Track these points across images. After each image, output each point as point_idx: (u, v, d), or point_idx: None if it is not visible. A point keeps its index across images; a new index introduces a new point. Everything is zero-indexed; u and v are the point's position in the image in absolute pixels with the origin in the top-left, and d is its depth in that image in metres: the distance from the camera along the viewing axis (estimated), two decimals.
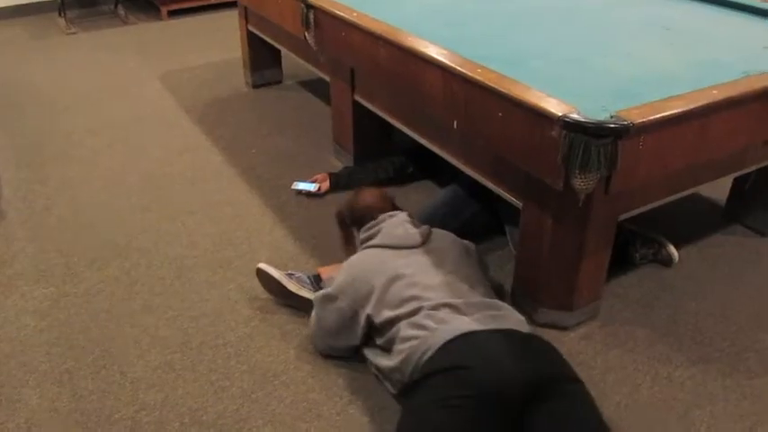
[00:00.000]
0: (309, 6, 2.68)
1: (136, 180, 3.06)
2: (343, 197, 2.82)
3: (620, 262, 2.36)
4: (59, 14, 5.44)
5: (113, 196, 2.93)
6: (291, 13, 2.82)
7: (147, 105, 3.86)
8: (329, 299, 1.96)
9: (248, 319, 2.21)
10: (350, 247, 2.21)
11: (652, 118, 1.68)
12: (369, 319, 1.88)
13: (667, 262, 2.42)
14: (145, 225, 2.72)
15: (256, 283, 2.28)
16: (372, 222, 2.07)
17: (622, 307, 2.25)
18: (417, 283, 1.84)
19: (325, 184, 2.89)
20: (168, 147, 3.37)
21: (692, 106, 1.75)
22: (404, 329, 1.77)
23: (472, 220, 2.49)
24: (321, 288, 2.18)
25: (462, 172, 2.34)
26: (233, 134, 3.48)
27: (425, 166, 2.93)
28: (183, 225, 2.71)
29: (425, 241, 1.99)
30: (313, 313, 2.04)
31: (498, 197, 2.19)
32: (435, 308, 1.77)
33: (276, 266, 2.23)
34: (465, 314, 1.75)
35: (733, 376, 1.98)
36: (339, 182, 2.90)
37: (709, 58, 2.15)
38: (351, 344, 1.96)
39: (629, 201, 2.05)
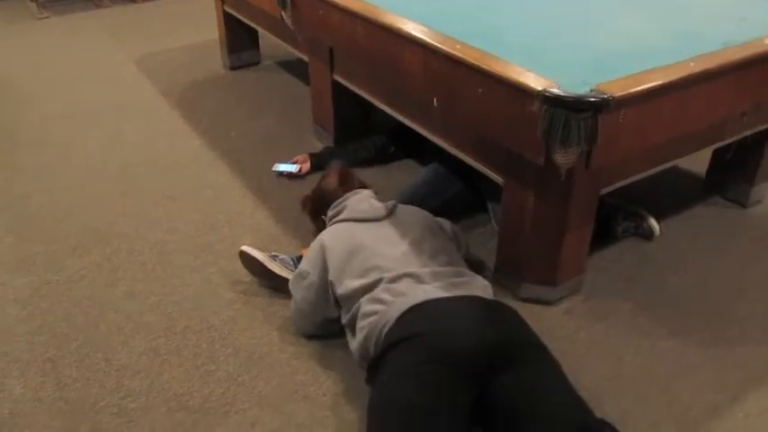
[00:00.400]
0: None
1: (114, 166, 3.02)
2: None
3: (603, 236, 2.37)
4: None
5: (92, 182, 2.89)
6: None
7: (124, 90, 3.81)
8: (301, 276, 1.98)
9: (231, 302, 2.20)
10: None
11: (632, 91, 1.68)
12: (332, 286, 1.89)
13: (649, 235, 2.44)
14: (125, 211, 2.69)
15: (238, 266, 2.26)
16: (338, 201, 2.11)
17: (605, 281, 2.26)
18: (379, 254, 1.85)
19: (306, 165, 2.88)
20: (146, 131, 3.32)
21: (671, 79, 1.76)
22: (364, 305, 1.77)
23: (454, 198, 2.49)
24: None
25: (444, 150, 2.33)
26: (211, 117, 3.44)
27: (407, 145, 2.92)
28: (164, 210, 2.69)
29: (390, 214, 2.00)
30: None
31: (480, 174, 2.18)
32: (395, 279, 1.77)
33: (259, 249, 2.22)
34: (426, 283, 1.76)
35: (715, 347, 2.01)
36: (320, 162, 2.88)
37: (688, 30, 2.15)
38: (329, 316, 1.96)
39: (611, 175, 2.05)
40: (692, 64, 1.83)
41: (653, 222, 2.43)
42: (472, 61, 1.83)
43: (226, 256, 2.39)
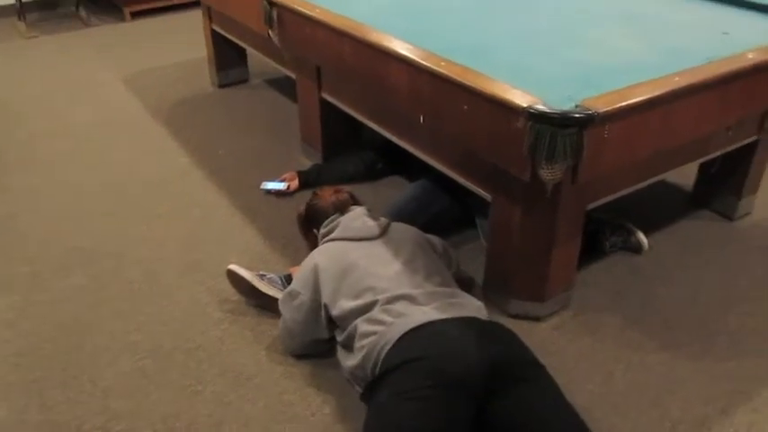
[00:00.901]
0: (272, 4, 2.65)
1: (101, 184, 3.00)
2: None
3: (591, 251, 2.37)
4: (19, 18, 5.32)
5: (78, 201, 2.88)
6: (255, 10, 2.78)
7: (112, 108, 3.80)
8: (291, 296, 1.96)
9: (219, 321, 2.18)
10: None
11: (616, 106, 1.68)
12: (326, 309, 1.88)
13: (637, 249, 2.45)
14: (111, 230, 2.67)
15: (226, 285, 2.25)
16: (330, 218, 2.09)
17: (594, 295, 2.26)
18: (373, 274, 1.84)
19: (295, 183, 2.87)
20: (134, 150, 3.31)
21: (655, 93, 1.76)
22: (361, 326, 1.76)
23: (441, 213, 2.48)
24: None
25: (431, 166, 2.33)
26: (200, 135, 3.43)
27: (395, 162, 2.92)
28: (151, 229, 2.67)
29: (383, 233, 1.99)
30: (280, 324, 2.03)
31: (468, 190, 2.18)
32: (391, 300, 1.76)
33: (247, 268, 2.21)
34: (422, 304, 1.75)
35: (704, 359, 2.01)
36: (308, 180, 2.87)
37: (672, 45, 2.17)
38: (319, 337, 1.95)
39: (598, 190, 2.06)
40: (676, 78, 1.84)
41: (641, 236, 2.44)
42: (457, 78, 1.83)
43: (214, 275, 2.38)
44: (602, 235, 2.43)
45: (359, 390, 1.80)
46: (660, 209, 2.72)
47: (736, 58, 1.99)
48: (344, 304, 1.82)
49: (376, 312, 1.75)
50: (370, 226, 2.01)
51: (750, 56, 2.00)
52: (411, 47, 2.05)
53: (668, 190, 2.84)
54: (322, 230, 2.09)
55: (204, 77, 4.11)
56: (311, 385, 1.94)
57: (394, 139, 2.47)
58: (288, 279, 2.18)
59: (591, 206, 2.08)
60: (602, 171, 1.83)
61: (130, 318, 2.21)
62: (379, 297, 1.78)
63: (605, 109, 1.65)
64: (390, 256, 1.91)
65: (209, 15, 3.78)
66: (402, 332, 1.65)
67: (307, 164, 3.04)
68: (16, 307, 2.27)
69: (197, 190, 2.94)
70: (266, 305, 2.17)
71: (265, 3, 2.67)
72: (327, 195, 2.17)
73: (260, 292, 2.15)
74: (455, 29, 2.34)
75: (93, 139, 3.43)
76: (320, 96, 2.85)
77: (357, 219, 2.05)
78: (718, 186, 2.65)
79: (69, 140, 3.42)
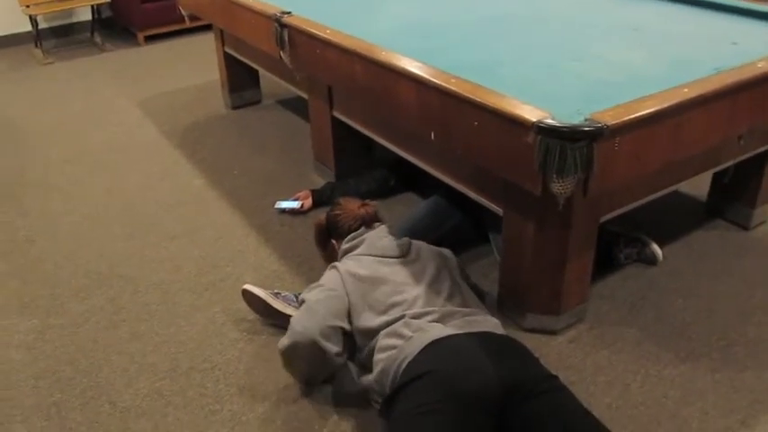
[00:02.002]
0: (283, 26, 2.68)
1: (117, 208, 3.04)
2: None
3: (605, 263, 2.37)
4: (36, 45, 5.42)
5: (95, 225, 2.91)
6: (266, 33, 2.82)
7: (127, 132, 3.85)
8: (320, 286, 1.94)
9: (235, 341, 2.19)
10: (333, 260, 2.19)
11: (626, 119, 1.69)
12: (349, 315, 1.88)
13: (652, 260, 2.44)
14: (128, 252, 2.70)
15: (242, 305, 2.27)
16: (356, 233, 2.08)
17: (609, 308, 2.25)
18: (401, 292, 1.87)
19: (308, 202, 2.89)
20: (149, 172, 3.35)
21: (664, 105, 1.76)
22: (382, 339, 1.78)
23: (454, 229, 2.49)
24: None
25: (443, 182, 2.34)
26: (214, 156, 3.47)
27: (407, 178, 2.94)
28: (167, 250, 2.70)
29: (407, 253, 2.01)
30: (286, 338, 1.90)
31: (481, 205, 2.19)
32: (416, 316, 1.79)
33: (262, 287, 2.22)
34: (441, 321, 1.78)
35: (722, 371, 1.99)
36: (322, 198, 2.89)
37: (680, 56, 2.17)
38: (339, 324, 1.85)
39: (610, 202, 2.06)
40: (685, 90, 1.84)
41: (655, 248, 2.43)
42: (467, 95, 1.85)
43: (229, 294, 2.40)
44: (616, 247, 2.42)
45: (376, 406, 1.80)
46: (674, 220, 2.71)
47: (746, 67, 1.99)
48: (370, 319, 1.84)
49: (398, 326, 1.77)
50: (394, 246, 2.02)
51: (760, 65, 1.99)
52: (421, 65, 2.07)
53: (682, 201, 2.83)
54: (345, 245, 2.08)
55: (217, 99, 4.16)
56: (328, 403, 1.94)
57: (406, 155, 2.49)
58: None
59: (604, 218, 2.08)
60: (614, 184, 1.83)
61: (148, 339, 2.23)
62: (407, 312, 1.80)
63: (614, 122, 1.66)
64: (416, 276, 1.93)
65: (222, 38, 3.83)
66: (421, 346, 1.66)
67: (320, 182, 3.06)
68: (35, 330, 2.30)
69: (212, 211, 2.97)
70: (282, 324, 2.18)
71: (276, 25, 2.71)
72: (354, 207, 2.15)
73: (275, 310, 2.17)
74: (463, 46, 2.36)
75: (109, 163, 3.48)
76: (332, 115, 2.88)
77: (384, 237, 2.07)
78: (732, 196, 2.64)
79: (85, 165, 3.47)
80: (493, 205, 2.12)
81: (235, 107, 4.05)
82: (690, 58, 2.14)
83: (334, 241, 2.16)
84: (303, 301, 1.94)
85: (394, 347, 1.73)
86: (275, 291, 2.22)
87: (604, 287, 2.35)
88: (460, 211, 2.51)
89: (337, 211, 2.17)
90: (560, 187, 1.69)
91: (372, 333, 1.83)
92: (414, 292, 1.88)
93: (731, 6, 2.59)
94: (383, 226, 2.12)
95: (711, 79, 1.92)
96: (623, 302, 2.28)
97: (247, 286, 2.21)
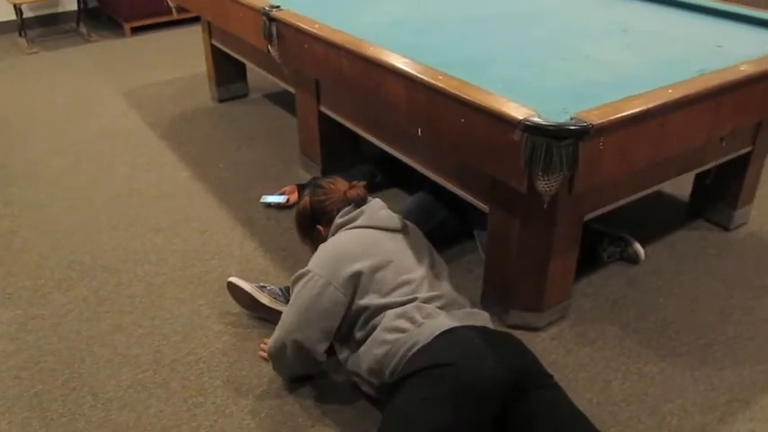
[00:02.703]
0: (271, 19, 2.68)
1: (102, 199, 3.02)
2: None
3: (588, 261, 2.39)
4: (20, 34, 5.37)
5: (80, 216, 2.90)
6: (254, 26, 2.82)
7: (112, 123, 3.83)
8: (304, 275, 1.84)
9: (220, 334, 2.19)
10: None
11: (611, 118, 1.70)
12: (351, 302, 1.81)
13: (634, 259, 2.46)
14: (112, 243, 2.69)
15: (227, 298, 2.27)
16: (349, 207, 1.98)
17: (592, 306, 2.28)
18: (408, 270, 1.84)
19: (294, 196, 2.89)
20: (134, 164, 3.34)
21: (649, 106, 1.78)
22: (389, 319, 1.75)
23: (440, 226, 2.50)
24: None
25: (429, 178, 2.35)
26: (200, 149, 3.46)
27: (393, 175, 2.94)
28: (152, 242, 2.69)
29: (405, 227, 1.99)
30: (275, 334, 1.89)
31: (466, 202, 2.21)
32: (426, 300, 1.79)
33: (247, 280, 2.22)
34: (446, 310, 1.79)
35: (701, 368, 2.02)
36: None
37: (665, 58, 2.20)
38: (333, 327, 1.82)
39: (594, 201, 2.08)
40: (670, 91, 1.86)
41: (638, 247, 2.45)
42: (453, 91, 1.86)
43: (214, 287, 2.39)
44: (599, 245, 2.45)
45: (370, 392, 1.80)
46: (657, 219, 2.74)
47: (729, 70, 2.01)
48: (376, 300, 1.79)
49: (409, 309, 1.76)
50: (394, 217, 1.98)
51: (743, 68, 2.02)
52: (409, 61, 2.08)
53: (665, 201, 2.86)
54: (339, 220, 1.96)
55: (204, 92, 4.14)
56: (312, 396, 1.95)
57: (392, 151, 2.50)
58: (288, 291, 2.20)
59: (588, 217, 2.10)
60: (598, 182, 1.85)
61: (131, 331, 2.22)
62: (418, 295, 1.79)
63: (600, 121, 1.67)
64: (417, 255, 1.91)
65: (209, 31, 3.81)
66: (432, 336, 1.67)
67: (306, 177, 3.06)
68: (18, 321, 2.29)
69: (197, 203, 2.96)
70: (267, 317, 2.19)
71: (265, 18, 2.70)
72: (343, 189, 2.02)
73: (260, 303, 2.17)
74: (451, 43, 2.37)
75: (94, 154, 3.45)
76: (319, 110, 2.88)
77: (382, 208, 1.99)
78: (714, 197, 2.67)
79: (70, 155, 3.45)
80: (478, 202, 2.13)
81: (221, 100, 4.04)
82: (675, 60, 2.17)
83: (320, 227, 2.03)
84: (298, 278, 1.86)
85: (404, 331, 1.71)
86: (261, 284, 2.22)
87: (587, 285, 2.37)
88: (446, 208, 2.53)
89: (322, 196, 2.03)
90: (546, 185, 1.70)
91: (378, 310, 1.78)
92: (419, 272, 1.85)
93: (716, 9, 2.62)
94: (377, 199, 2.05)
95: (695, 81, 1.94)
96: (605, 300, 2.30)
97: (233, 279, 2.21)
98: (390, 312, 1.76)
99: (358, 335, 1.84)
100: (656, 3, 2.79)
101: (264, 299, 2.17)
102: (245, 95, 4.10)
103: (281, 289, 2.20)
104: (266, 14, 2.69)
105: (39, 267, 2.56)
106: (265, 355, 2.03)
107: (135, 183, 3.16)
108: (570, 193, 1.80)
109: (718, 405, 1.89)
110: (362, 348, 1.81)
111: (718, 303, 2.28)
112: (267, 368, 2.04)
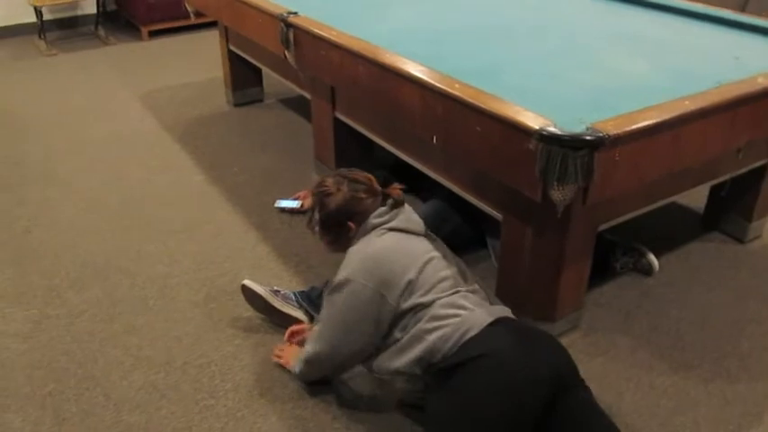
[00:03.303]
0: (289, 25, 2.70)
1: (117, 200, 3.05)
2: None
3: (601, 271, 2.38)
4: (39, 36, 5.42)
5: (94, 217, 2.92)
6: (271, 32, 2.83)
7: (128, 125, 3.86)
8: (346, 284, 1.76)
9: (232, 337, 2.20)
10: (345, 247, 1.93)
11: (627, 129, 1.70)
12: (395, 306, 1.75)
13: (647, 270, 2.45)
14: (126, 245, 2.71)
15: (239, 301, 2.27)
16: (386, 208, 1.89)
17: (604, 316, 2.27)
18: (446, 267, 1.83)
19: (308, 201, 2.89)
20: (149, 166, 3.36)
21: (665, 117, 1.78)
22: (437, 309, 1.73)
23: (453, 233, 2.49)
24: (307, 304, 2.18)
25: (443, 186, 2.36)
26: (215, 153, 3.48)
27: (407, 181, 2.93)
28: (165, 245, 2.71)
29: (426, 231, 1.97)
30: (314, 346, 1.86)
31: (479, 210, 2.21)
32: (470, 291, 1.81)
33: (260, 284, 2.23)
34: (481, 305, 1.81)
35: (715, 382, 2.01)
36: None
37: (682, 68, 2.19)
38: (374, 337, 1.78)
39: (608, 211, 2.08)
40: (686, 102, 1.86)
41: (651, 258, 2.44)
42: (470, 100, 1.86)
43: (227, 291, 2.40)
44: (612, 256, 2.44)
45: (403, 387, 1.80)
46: (671, 231, 2.73)
47: (746, 82, 2.00)
48: (420, 298, 1.75)
49: (456, 298, 1.76)
50: (421, 222, 1.95)
51: (760, 80, 2.01)
52: (425, 69, 2.08)
53: (679, 212, 2.85)
54: (375, 220, 1.87)
55: (220, 96, 4.17)
56: (324, 401, 1.95)
57: (406, 158, 2.51)
58: (302, 295, 2.20)
59: (602, 227, 2.09)
60: (613, 193, 1.85)
61: (144, 333, 2.23)
62: (459, 288, 1.80)
63: (616, 132, 1.67)
64: (445, 255, 1.90)
65: (226, 36, 3.84)
66: (485, 323, 1.69)
67: None
68: (32, 320, 2.31)
69: (211, 207, 2.97)
70: (279, 321, 2.19)
71: (282, 24, 2.72)
72: (377, 186, 1.94)
73: (274, 307, 2.18)
74: (467, 51, 2.38)
75: (110, 156, 3.48)
76: (334, 116, 2.89)
77: (413, 212, 1.96)
78: (729, 209, 2.66)
79: (86, 156, 3.48)
80: (492, 210, 2.13)
81: (237, 104, 4.06)
82: (691, 71, 2.16)
83: (351, 223, 1.91)
84: (339, 288, 1.79)
85: (456, 316, 1.71)
86: (274, 288, 2.23)
87: (600, 295, 2.36)
88: (459, 215, 2.53)
89: (362, 193, 1.91)
90: (560, 194, 1.70)
91: (423, 307, 1.75)
92: (453, 269, 1.85)
93: (734, 21, 2.61)
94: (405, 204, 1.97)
95: (712, 92, 1.94)
96: (618, 311, 2.29)
97: (247, 282, 2.22)
98: (437, 303, 1.75)
99: (398, 334, 1.78)
100: (672, 13, 2.78)
101: (278, 303, 2.18)
102: (261, 100, 4.12)
103: (294, 293, 2.21)
104: (284, 20, 2.71)
105: (53, 267, 2.58)
106: (281, 361, 2.04)
107: (149, 185, 3.18)
108: (584, 204, 1.80)
109: (731, 419, 1.88)
110: (402, 343, 1.76)
111: (732, 316, 2.27)
112: (278, 372, 2.05)
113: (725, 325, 2.23)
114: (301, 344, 2.01)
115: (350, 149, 2.99)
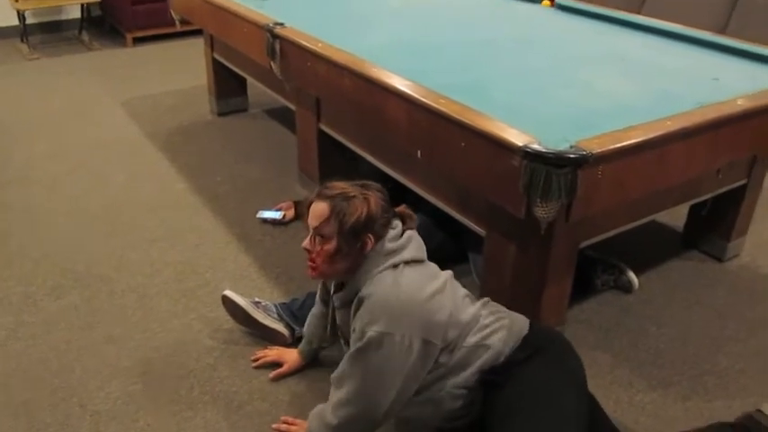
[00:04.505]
0: (275, 36, 2.70)
1: (98, 207, 3.02)
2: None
3: (582, 288, 2.40)
4: (21, 40, 5.38)
5: (75, 223, 2.89)
6: (257, 42, 2.83)
7: (110, 132, 3.83)
8: (386, 337, 1.54)
9: (211, 348, 2.18)
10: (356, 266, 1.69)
11: (610, 148, 1.72)
12: (441, 344, 1.62)
13: (628, 288, 2.47)
14: (106, 253, 2.68)
15: (220, 312, 2.26)
16: (398, 232, 1.72)
17: (585, 332, 2.28)
18: (457, 284, 1.78)
19: (291, 212, 2.89)
20: (131, 173, 3.33)
21: (648, 136, 1.80)
22: (483, 319, 1.70)
23: (436, 249, 2.48)
24: (288, 317, 2.17)
25: (426, 201, 2.36)
26: (197, 162, 3.46)
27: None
28: (146, 253, 2.68)
29: None
30: (346, 410, 1.62)
31: (462, 226, 2.21)
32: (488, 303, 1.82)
33: (242, 294, 2.22)
34: None
35: (693, 399, 2.02)
36: (304, 210, 2.89)
37: (664, 89, 2.22)
38: (416, 385, 1.63)
39: (590, 228, 2.09)
40: (668, 122, 1.88)
41: (632, 275, 2.46)
42: (455, 116, 1.87)
43: (207, 302, 2.39)
44: (593, 273, 2.45)
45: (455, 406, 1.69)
46: (651, 249, 2.76)
47: (727, 103, 2.03)
48: (462, 324, 1.66)
49: (488, 305, 1.78)
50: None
51: (740, 102, 2.04)
52: (410, 83, 2.09)
53: (659, 230, 2.88)
54: (391, 245, 1.67)
55: (204, 105, 4.15)
56: (301, 415, 1.93)
57: (390, 172, 2.51)
58: (282, 307, 2.19)
59: (584, 244, 2.11)
60: (595, 210, 1.86)
61: (123, 342, 2.21)
62: (482, 298, 1.82)
63: (599, 150, 1.69)
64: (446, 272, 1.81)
65: (211, 44, 3.83)
66: (527, 322, 1.76)
67: (303, 194, 3.07)
68: (8, 327, 2.27)
69: (193, 216, 2.95)
70: (259, 333, 2.18)
71: (269, 35, 2.72)
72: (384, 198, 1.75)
73: (254, 319, 2.16)
74: (453, 67, 2.39)
75: (91, 162, 3.45)
76: (319, 128, 2.89)
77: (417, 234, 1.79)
78: (708, 228, 2.69)
79: (67, 162, 3.44)
80: (475, 226, 2.13)
81: (221, 114, 4.05)
82: (673, 91, 2.19)
83: (370, 238, 1.66)
84: (370, 346, 1.56)
85: (503, 319, 1.73)
86: (255, 299, 2.21)
87: (581, 312, 2.37)
88: (442, 231, 2.53)
89: (387, 206, 1.72)
90: (543, 211, 1.71)
91: (466, 328, 1.67)
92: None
93: (713, 42, 2.65)
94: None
95: (694, 113, 1.96)
96: (599, 328, 2.31)
97: (228, 293, 2.21)
98: (480, 316, 1.71)
99: (444, 359, 1.65)
100: (654, 34, 2.82)
101: (259, 315, 2.16)
102: (245, 110, 4.11)
103: (275, 305, 2.20)
104: (270, 31, 2.71)
105: (31, 274, 2.55)
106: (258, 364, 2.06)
107: (131, 192, 3.15)
108: (567, 221, 1.81)
109: None
110: (454, 363, 1.64)
111: (711, 334, 2.29)
112: (258, 385, 2.03)
113: (703, 342, 2.25)
114: None
115: (334, 161, 2.98)
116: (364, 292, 1.62)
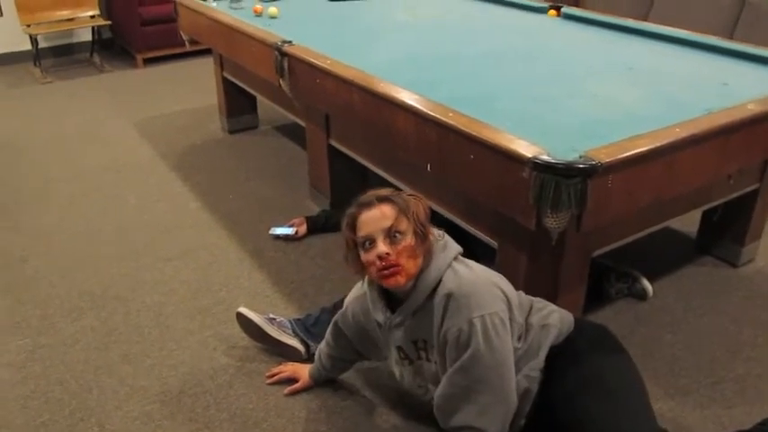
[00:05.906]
0: (283, 54, 2.72)
1: (112, 228, 3.05)
2: (320, 241, 2.85)
3: (596, 297, 2.39)
4: (34, 64, 5.45)
5: (89, 245, 2.92)
6: (266, 60, 2.86)
7: (123, 153, 3.87)
8: (479, 319, 1.57)
9: (227, 366, 2.19)
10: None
11: (619, 157, 1.72)
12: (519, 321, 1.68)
13: (642, 295, 2.46)
14: (121, 273, 2.70)
15: (235, 329, 2.27)
16: (438, 231, 1.74)
17: None
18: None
19: (303, 228, 2.91)
20: (144, 194, 3.37)
21: (657, 144, 1.80)
22: (536, 303, 1.80)
23: None
24: (302, 332, 2.18)
25: (437, 213, 2.37)
26: (209, 180, 3.49)
27: None
28: (161, 272, 2.70)
29: None
30: (492, 417, 1.61)
31: (473, 237, 2.22)
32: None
33: (256, 311, 2.23)
34: None
35: (711, 407, 2.01)
36: (316, 225, 2.91)
37: (672, 96, 2.22)
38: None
39: (602, 237, 2.09)
40: (677, 129, 1.88)
41: (645, 283, 2.45)
42: (463, 128, 1.88)
43: (222, 319, 2.40)
44: (607, 281, 2.45)
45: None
46: (664, 256, 2.75)
47: (737, 109, 2.03)
48: (525, 305, 1.76)
49: (536, 304, 1.81)
50: None
51: (750, 107, 2.04)
52: (418, 97, 2.11)
53: (672, 237, 2.87)
54: (442, 241, 1.71)
55: (215, 124, 4.19)
56: (318, 431, 1.94)
57: (401, 185, 2.52)
58: (298, 323, 2.20)
59: (596, 253, 2.11)
60: (606, 219, 1.86)
61: (139, 362, 2.22)
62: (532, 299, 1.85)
63: (608, 159, 1.69)
64: None
65: (221, 63, 3.87)
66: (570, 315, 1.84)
67: (315, 209, 3.08)
68: (26, 349, 2.29)
69: (206, 234, 2.98)
70: (275, 349, 2.19)
71: (277, 53, 2.75)
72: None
73: (269, 335, 2.17)
74: (461, 79, 2.40)
75: (105, 183, 3.49)
76: (329, 143, 2.91)
77: None
78: (722, 233, 2.68)
79: (81, 184, 3.48)
80: (487, 237, 2.14)
81: (232, 132, 4.08)
82: (682, 98, 2.19)
83: (433, 232, 1.71)
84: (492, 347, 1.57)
85: (554, 311, 1.79)
86: (270, 315, 2.22)
87: (595, 320, 2.35)
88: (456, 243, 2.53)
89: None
90: (554, 222, 1.72)
91: (531, 311, 1.77)
92: None
93: (722, 47, 2.65)
94: None
95: (703, 120, 1.96)
96: None
97: (242, 310, 2.22)
98: (534, 300, 1.81)
99: (517, 344, 1.69)
100: (661, 40, 2.83)
101: (273, 331, 2.17)
102: (256, 127, 4.15)
103: (290, 321, 2.21)
104: (278, 49, 2.74)
105: (48, 296, 2.58)
106: (274, 380, 2.08)
107: (144, 213, 3.18)
108: (578, 231, 1.81)
109: None
110: (528, 346, 1.69)
111: (727, 341, 2.27)
112: (274, 401, 2.04)
113: (719, 349, 2.23)
114: None
115: (345, 176, 3.00)
116: (448, 286, 1.61)
